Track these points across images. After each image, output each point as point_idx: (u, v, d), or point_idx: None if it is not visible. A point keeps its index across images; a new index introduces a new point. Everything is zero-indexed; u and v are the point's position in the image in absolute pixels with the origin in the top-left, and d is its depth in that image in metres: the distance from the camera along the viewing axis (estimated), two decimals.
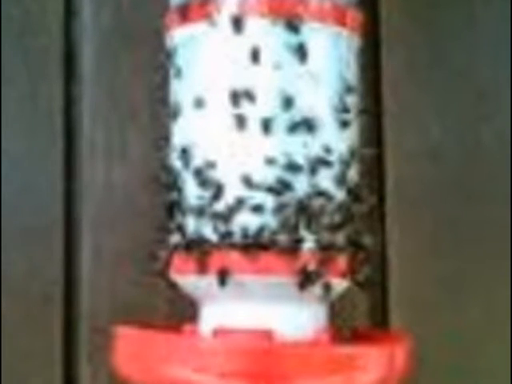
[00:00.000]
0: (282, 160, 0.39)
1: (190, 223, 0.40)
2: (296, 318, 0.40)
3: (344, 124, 0.40)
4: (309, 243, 0.39)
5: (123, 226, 0.48)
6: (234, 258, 0.39)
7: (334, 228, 0.40)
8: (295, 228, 0.39)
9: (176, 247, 0.41)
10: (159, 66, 0.43)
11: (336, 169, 0.40)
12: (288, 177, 0.39)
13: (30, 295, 0.47)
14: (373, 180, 0.49)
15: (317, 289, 0.39)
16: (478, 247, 0.50)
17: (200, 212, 0.40)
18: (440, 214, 0.50)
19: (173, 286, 0.42)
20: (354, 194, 0.41)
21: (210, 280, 0.39)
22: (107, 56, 0.49)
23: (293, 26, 0.39)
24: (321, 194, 0.39)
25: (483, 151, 0.51)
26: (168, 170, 0.42)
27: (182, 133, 0.41)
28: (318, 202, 0.39)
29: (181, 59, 0.41)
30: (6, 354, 0.47)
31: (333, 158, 0.40)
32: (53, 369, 0.47)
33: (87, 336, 0.47)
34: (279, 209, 0.39)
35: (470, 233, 0.50)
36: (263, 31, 0.39)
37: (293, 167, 0.39)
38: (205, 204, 0.39)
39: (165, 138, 0.42)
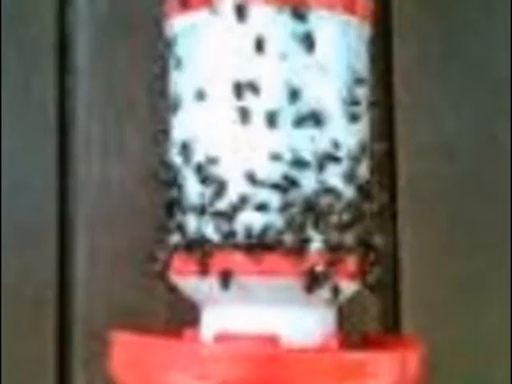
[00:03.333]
0: (287, 155, 0.39)
1: (191, 222, 0.40)
2: (303, 323, 0.40)
3: (353, 117, 0.40)
4: (316, 243, 0.39)
5: (120, 226, 0.48)
6: (237, 258, 0.38)
7: (343, 227, 0.39)
8: (302, 227, 0.38)
9: (176, 248, 0.40)
10: (158, 56, 0.43)
11: (345, 165, 0.40)
12: (294, 173, 0.39)
13: (22, 298, 0.47)
14: (384, 177, 0.48)
15: (325, 291, 0.39)
16: (494, 247, 0.50)
17: (201, 210, 0.39)
18: (455, 212, 0.50)
19: (173, 288, 0.42)
20: (364, 191, 0.40)
21: (212, 282, 0.39)
22: (103, 45, 0.49)
23: (299, 14, 0.39)
24: (329, 191, 0.39)
25: (499, 146, 0.50)
26: (167, 166, 0.41)
27: (182, 127, 0.41)
28: (325, 200, 0.39)
29: (181, 49, 0.41)
30: None
31: (341, 153, 0.39)
32: (46, 376, 0.47)
33: (82, 341, 0.47)
34: (285, 207, 0.38)
35: (486, 232, 0.50)
36: (268, 20, 0.39)
37: (299, 163, 0.39)
38: (206, 202, 0.39)
39: (164, 133, 0.42)
